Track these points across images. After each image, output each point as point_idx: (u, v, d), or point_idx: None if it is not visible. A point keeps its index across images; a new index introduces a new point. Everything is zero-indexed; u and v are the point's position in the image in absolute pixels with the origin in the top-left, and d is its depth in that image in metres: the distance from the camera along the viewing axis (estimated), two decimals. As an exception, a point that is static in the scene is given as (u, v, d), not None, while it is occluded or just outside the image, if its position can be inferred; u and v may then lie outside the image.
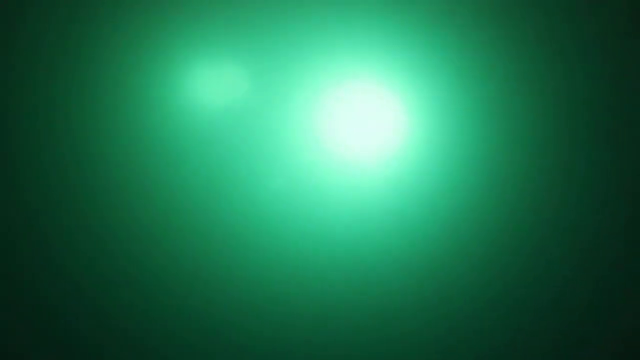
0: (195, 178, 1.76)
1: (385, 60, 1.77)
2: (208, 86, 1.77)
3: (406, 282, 1.77)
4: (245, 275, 1.77)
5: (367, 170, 1.77)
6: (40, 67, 1.78)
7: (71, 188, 1.77)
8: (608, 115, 1.75)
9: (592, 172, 1.75)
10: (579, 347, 1.73)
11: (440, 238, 1.76)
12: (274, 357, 1.75)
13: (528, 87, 1.77)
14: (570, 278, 1.74)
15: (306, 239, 1.76)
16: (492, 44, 1.76)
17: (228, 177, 1.76)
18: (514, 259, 1.76)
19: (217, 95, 1.77)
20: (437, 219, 1.76)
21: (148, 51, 1.77)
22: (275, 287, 1.77)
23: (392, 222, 1.77)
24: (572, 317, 1.74)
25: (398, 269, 1.77)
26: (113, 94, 1.77)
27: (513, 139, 1.77)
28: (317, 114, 1.77)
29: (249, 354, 1.75)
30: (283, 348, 1.75)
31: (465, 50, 1.76)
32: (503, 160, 1.76)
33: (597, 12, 1.76)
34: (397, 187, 1.77)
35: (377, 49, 1.77)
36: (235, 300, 1.77)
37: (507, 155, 1.77)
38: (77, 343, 1.76)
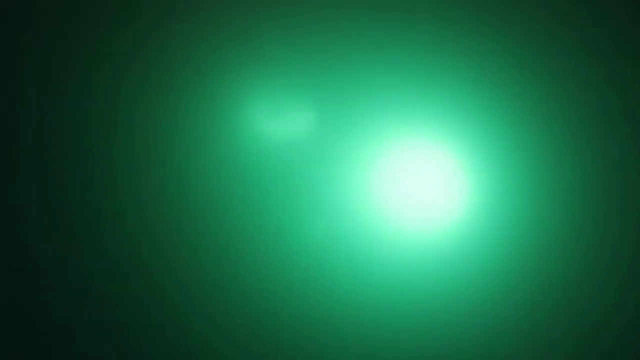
0: (251, 211, 1.76)
1: (452, 122, 1.78)
2: (278, 126, 1.77)
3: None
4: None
5: (421, 235, 1.77)
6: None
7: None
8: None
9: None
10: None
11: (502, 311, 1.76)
12: None
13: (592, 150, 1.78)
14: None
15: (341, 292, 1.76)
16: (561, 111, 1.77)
17: (278, 216, 1.76)
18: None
19: (285, 135, 1.77)
20: (499, 292, 1.77)
21: (225, 84, 1.78)
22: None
23: (448, 292, 1.77)
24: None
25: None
26: (191, 126, 1.77)
27: (581, 202, 1.77)
28: (381, 172, 1.77)
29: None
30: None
31: (533, 115, 1.77)
32: (571, 222, 1.77)
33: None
34: (455, 256, 1.77)
35: (446, 111, 1.78)
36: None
37: (574, 219, 1.77)
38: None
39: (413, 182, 1.78)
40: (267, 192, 1.77)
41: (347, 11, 1.79)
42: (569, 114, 1.77)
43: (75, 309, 1.76)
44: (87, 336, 1.76)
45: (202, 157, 1.78)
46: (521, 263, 1.77)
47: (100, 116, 1.79)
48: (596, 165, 1.78)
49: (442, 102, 1.78)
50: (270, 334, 1.77)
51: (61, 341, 1.75)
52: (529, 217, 1.77)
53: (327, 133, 1.77)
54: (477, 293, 1.77)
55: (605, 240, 1.77)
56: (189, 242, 1.77)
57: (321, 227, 1.76)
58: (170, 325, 1.76)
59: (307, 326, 1.77)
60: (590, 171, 1.77)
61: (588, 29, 1.78)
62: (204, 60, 1.79)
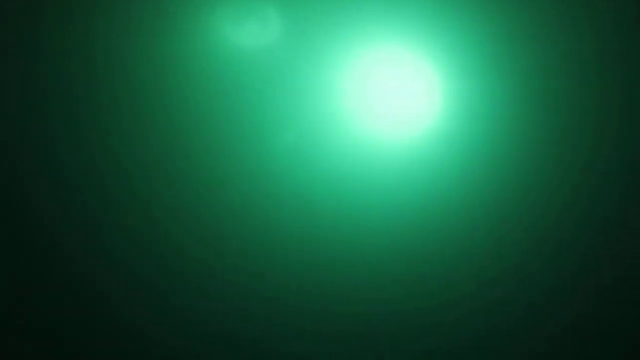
0: (207, 122, 1.69)
1: (423, 28, 1.68)
2: (235, 28, 1.69)
3: (424, 260, 1.70)
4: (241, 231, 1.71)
5: (391, 143, 1.70)
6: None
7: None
8: None
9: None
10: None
11: (472, 219, 1.68)
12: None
13: (570, 66, 1.68)
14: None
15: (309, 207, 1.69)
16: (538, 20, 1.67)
17: (240, 125, 1.69)
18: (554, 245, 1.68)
19: (243, 38, 1.69)
20: (470, 200, 1.68)
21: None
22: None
23: (416, 201, 1.69)
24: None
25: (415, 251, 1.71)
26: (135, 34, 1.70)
27: (554, 116, 1.68)
28: (346, 79, 1.69)
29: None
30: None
31: (510, 22, 1.67)
32: (544, 138, 1.68)
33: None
34: (424, 165, 1.69)
35: (421, 14, 1.68)
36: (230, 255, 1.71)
37: (548, 133, 1.68)
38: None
39: (386, 88, 1.69)
40: (234, 101, 1.70)
41: None
42: (556, 23, 1.67)
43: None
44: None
45: (165, 66, 1.71)
46: (499, 174, 1.68)
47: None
48: (581, 74, 1.67)
49: (417, 5, 1.68)
50: (237, 247, 1.72)
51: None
52: (508, 128, 1.68)
53: (297, 38, 1.69)
54: (449, 201, 1.69)
55: (583, 151, 1.67)
56: (150, 153, 1.71)
57: (291, 137, 1.69)
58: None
59: (278, 239, 1.71)
60: (576, 79, 1.67)
61: None
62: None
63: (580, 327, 1.68)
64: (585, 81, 1.67)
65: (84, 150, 1.71)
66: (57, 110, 1.71)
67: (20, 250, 1.72)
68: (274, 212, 1.70)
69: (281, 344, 1.71)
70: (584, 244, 1.68)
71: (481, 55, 1.67)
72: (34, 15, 1.71)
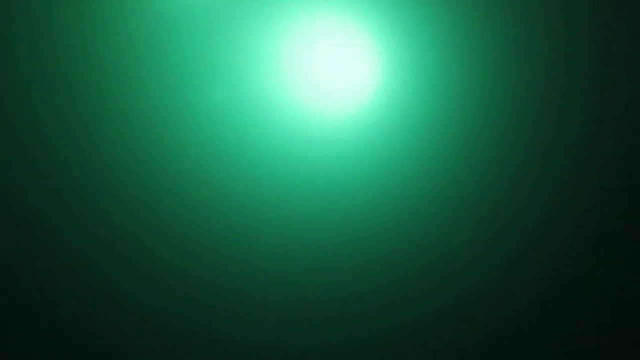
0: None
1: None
2: None
3: (367, 243, 1.63)
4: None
5: (327, 116, 1.62)
6: None
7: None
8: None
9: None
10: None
11: (412, 202, 1.62)
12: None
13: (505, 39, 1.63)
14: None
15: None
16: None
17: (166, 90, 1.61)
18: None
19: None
20: (408, 177, 1.62)
21: None
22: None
23: (353, 178, 1.62)
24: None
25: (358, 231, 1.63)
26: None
27: (491, 92, 1.63)
28: (281, 49, 1.61)
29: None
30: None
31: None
32: (479, 115, 1.62)
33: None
34: (362, 141, 1.62)
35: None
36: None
37: (483, 110, 1.63)
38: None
39: (321, 61, 1.61)
40: (167, 57, 1.61)
41: None
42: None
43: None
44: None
45: (95, 28, 1.62)
46: (435, 155, 1.63)
47: None
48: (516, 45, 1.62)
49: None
50: (169, 207, 1.63)
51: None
52: (447, 107, 1.62)
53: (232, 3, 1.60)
54: (381, 181, 1.62)
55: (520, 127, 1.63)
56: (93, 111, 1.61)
57: (221, 97, 1.60)
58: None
59: (204, 202, 1.63)
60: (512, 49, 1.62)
61: None
62: None
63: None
64: (521, 51, 1.62)
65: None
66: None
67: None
68: (198, 190, 1.62)
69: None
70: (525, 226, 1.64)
71: (421, 24, 1.61)
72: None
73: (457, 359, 1.62)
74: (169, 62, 1.61)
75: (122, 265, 1.61)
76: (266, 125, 1.61)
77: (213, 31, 1.60)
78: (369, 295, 1.62)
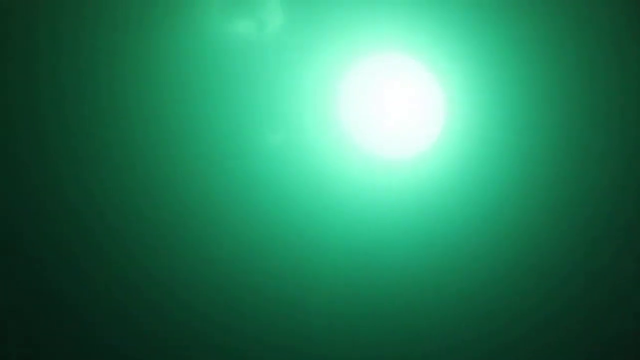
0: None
1: (429, 35, 1.55)
2: (232, 24, 1.56)
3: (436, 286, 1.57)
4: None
5: (386, 163, 1.56)
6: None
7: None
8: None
9: None
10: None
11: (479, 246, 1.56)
12: None
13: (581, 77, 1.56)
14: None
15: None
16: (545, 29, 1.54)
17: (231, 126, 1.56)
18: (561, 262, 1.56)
19: (240, 34, 1.56)
20: (475, 226, 1.56)
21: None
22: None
23: (419, 227, 1.55)
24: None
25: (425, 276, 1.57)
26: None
27: (562, 135, 1.55)
28: (346, 87, 1.55)
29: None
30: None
31: (517, 32, 1.54)
32: (551, 159, 1.55)
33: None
34: (428, 187, 1.55)
35: (416, 23, 1.55)
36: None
37: (555, 154, 1.55)
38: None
39: (388, 99, 1.56)
40: (228, 101, 1.57)
41: None
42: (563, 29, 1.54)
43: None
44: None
45: (158, 62, 1.58)
46: (507, 190, 1.56)
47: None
48: (587, 78, 1.55)
49: (423, 10, 1.55)
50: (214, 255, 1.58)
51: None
52: (517, 141, 1.56)
53: (290, 34, 1.56)
54: (453, 224, 1.56)
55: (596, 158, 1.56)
56: (137, 150, 1.58)
57: (281, 139, 1.56)
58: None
59: (267, 244, 1.57)
60: (582, 84, 1.55)
61: None
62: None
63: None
64: (593, 85, 1.56)
65: (78, 148, 1.58)
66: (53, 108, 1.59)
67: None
68: (258, 218, 1.58)
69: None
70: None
71: (488, 64, 1.55)
72: (29, 11, 1.59)
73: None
74: (228, 104, 1.57)
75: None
76: (328, 169, 1.56)
77: (273, 71, 1.56)
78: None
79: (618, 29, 1.56)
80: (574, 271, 1.58)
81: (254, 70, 1.55)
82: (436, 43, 1.55)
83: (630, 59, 1.57)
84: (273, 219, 1.56)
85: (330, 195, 1.55)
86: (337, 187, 1.55)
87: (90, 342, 1.57)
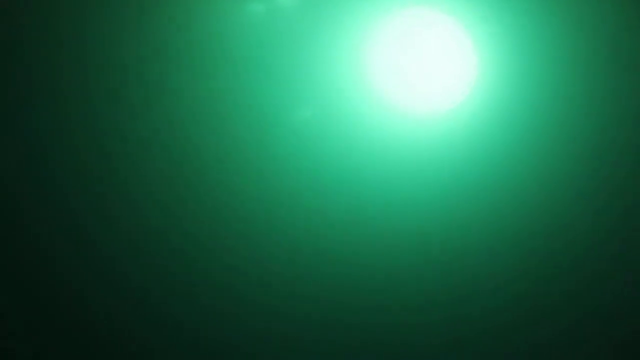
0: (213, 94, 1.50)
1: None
2: None
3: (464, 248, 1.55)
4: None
5: (419, 120, 1.52)
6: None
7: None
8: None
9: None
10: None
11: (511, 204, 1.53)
12: None
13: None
14: None
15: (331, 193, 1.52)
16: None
17: (248, 101, 1.51)
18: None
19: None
20: (507, 182, 1.52)
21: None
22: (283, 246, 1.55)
23: (449, 184, 1.52)
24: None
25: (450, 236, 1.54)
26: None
27: (594, 95, 1.52)
28: (365, 47, 1.50)
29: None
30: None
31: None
32: (583, 118, 1.52)
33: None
34: (458, 143, 1.52)
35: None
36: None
37: (587, 108, 1.52)
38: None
39: (412, 57, 1.51)
40: (243, 75, 1.50)
41: None
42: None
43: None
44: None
45: (175, 36, 1.51)
46: (530, 157, 1.53)
47: None
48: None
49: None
50: (254, 234, 1.54)
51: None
52: (548, 101, 1.52)
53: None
54: (475, 183, 1.53)
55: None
56: (155, 130, 1.51)
57: (307, 114, 1.50)
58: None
59: (294, 225, 1.54)
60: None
61: None
62: None
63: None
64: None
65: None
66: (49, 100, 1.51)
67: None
68: (288, 195, 1.53)
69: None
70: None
71: (521, 22, 1.50)
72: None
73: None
74: (257, 79, 1.51)
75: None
76: (361, 130, 1.51)
77: (299, 36, 1.50)
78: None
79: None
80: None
81: (279, 38, 1.49)
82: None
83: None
84: (309, 183, 1.51)
85: (365, 154, 1.52)
86: (370, 146, 1.52)
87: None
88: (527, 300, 1.56)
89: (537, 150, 1.54)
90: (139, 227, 1.54)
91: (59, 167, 1.53)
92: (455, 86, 1.50)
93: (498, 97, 1.51)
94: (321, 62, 1.50)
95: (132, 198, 1.54)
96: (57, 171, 1.53)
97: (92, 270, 1.54)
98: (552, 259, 1.56)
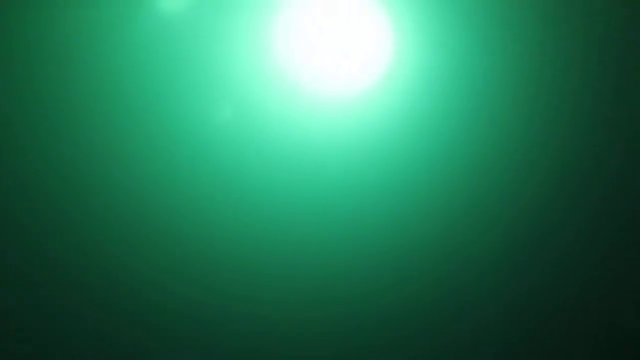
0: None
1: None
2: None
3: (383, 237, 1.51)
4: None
5: (338, 104, 1.48)
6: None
7: None
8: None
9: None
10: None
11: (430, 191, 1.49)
12: None
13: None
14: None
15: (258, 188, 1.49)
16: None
17: (163, 104, 1.47)
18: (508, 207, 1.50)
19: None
20: (425, 164, 1.48)
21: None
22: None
23: (370, 168, 1.49)
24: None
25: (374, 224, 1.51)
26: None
27: (513, 70, 1.47)
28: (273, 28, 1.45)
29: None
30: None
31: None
32: (501, 96, 1.47)
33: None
34: (377, 126, 1.47)
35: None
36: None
37: (506, 90, 1.47)
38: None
39: (324, 35, 1.45)
40: (154, 79, 1.47)
41: None
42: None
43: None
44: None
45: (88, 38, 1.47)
46: (456, 133, 1.48)
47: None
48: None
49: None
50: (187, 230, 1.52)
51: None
52: (466, 79, 1.47)
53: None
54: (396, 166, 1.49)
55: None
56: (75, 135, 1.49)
57: (226, 113, 1.47)
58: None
59: (226, 221, 1.51)
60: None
61: None
62: None
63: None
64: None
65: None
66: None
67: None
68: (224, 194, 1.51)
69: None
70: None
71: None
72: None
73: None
74: (162, 71, 1.48)
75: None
76: (269, 117, 1.48)
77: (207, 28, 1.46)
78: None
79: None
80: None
81: (185, 37, 1.45)
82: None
83: None
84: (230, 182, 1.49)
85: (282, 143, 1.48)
86: (285, 134, 1.48)
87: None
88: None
89: (451, 135, 1.49)
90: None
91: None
92: (370, 67, 1.45)
93: (415, 77, 1.47)
94: (231, 55, 1.46)
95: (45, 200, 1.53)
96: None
97: None
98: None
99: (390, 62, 1.46)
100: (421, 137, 1.48)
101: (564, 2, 1.47)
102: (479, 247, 1.52)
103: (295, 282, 1.50)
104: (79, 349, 1.51)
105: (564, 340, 1.52)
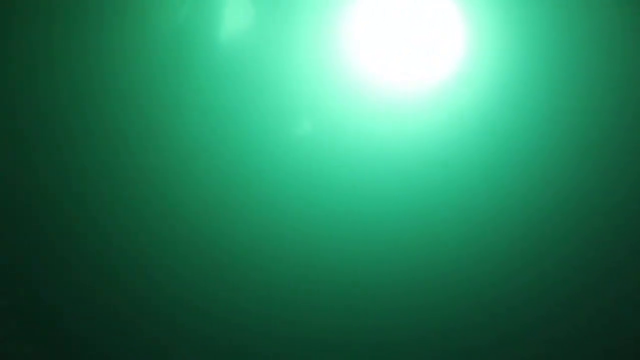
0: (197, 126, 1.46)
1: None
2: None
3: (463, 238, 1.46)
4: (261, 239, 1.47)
5: (414, 109, 1.45)
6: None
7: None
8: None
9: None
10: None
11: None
12: None
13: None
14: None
15: (336, 199, 1.46)
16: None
17: (234, 125, 1.46)
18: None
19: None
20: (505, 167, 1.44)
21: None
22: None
23: (447, 173, 1.45)
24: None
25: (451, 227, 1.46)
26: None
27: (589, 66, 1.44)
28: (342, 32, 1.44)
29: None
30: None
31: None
32: (577, 89, 1.44)
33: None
34: (454, 129, 1.44)
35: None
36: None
37: (583, 84, 1.44)
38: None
39: (398, 30, 1.44)
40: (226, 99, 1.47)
41: None
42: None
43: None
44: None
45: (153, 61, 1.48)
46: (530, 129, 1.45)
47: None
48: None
49: None
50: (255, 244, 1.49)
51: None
52: (540, 75, 1.44)
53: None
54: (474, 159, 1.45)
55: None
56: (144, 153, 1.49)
57: (300, 128, 1.46)
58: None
59: (296, 231, 1.48)
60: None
61: None
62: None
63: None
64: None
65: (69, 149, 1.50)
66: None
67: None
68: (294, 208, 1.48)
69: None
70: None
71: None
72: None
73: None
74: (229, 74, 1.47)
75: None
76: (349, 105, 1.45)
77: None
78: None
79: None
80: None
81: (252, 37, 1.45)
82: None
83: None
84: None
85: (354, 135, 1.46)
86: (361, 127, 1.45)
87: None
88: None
89: (529, 129, 1.45)
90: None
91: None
92: (444, 61, 1.44)
93: (488, 72, 1.44)
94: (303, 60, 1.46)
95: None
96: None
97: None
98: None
99: (466, 58, 1.45)
100: (497, 127, 1.45)
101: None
102: (566, 246, 1.46)
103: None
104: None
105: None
